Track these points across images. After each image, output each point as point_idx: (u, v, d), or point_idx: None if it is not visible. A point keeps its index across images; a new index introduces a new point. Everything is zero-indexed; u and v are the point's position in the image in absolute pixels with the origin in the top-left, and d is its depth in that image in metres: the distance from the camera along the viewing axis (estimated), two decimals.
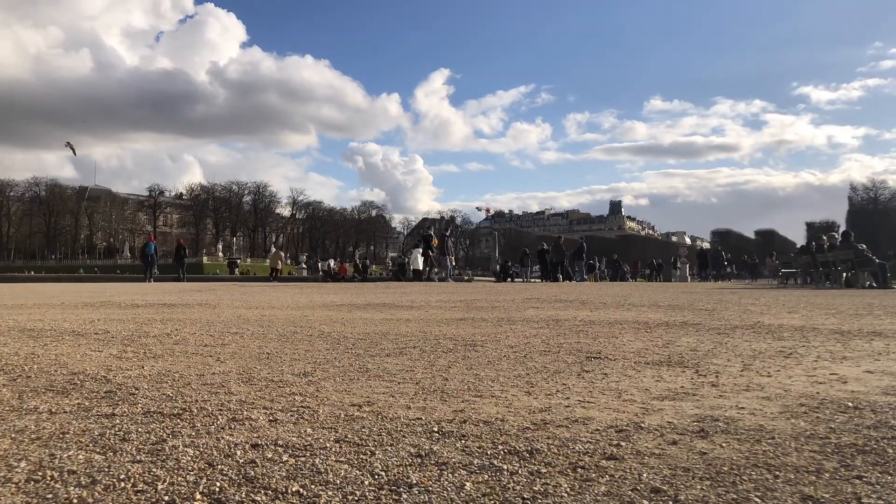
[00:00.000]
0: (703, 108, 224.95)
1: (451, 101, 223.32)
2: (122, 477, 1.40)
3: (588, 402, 2.16)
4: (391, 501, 1.28)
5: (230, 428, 1.83)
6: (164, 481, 1.38)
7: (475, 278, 25.17)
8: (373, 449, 1.62)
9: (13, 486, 1.36)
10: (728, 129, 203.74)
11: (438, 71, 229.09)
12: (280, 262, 30.83)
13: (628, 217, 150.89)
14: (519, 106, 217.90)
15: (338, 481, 1.39)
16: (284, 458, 1.54)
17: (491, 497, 1.30)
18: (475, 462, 1.51)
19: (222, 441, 1.69)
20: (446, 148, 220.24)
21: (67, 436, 1.74)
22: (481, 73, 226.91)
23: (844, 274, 14.98)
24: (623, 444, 1.65)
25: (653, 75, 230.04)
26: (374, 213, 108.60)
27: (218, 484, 1.37)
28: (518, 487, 1.34)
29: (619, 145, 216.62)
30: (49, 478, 1.40)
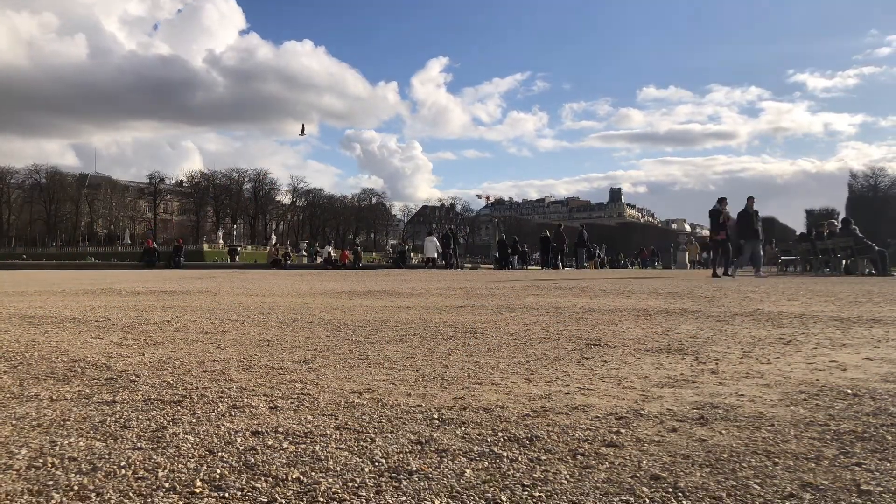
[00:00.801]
0: (699, 95, 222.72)
1: (448, 88, 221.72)
2: (122, 464, 1.41)
3: (588, 389, 2.17)
4: (391, 488, 1.28)
5: (231, 415, 1.83)
6: (165, 468, 1.38)
7: (480, 266, 25.16)
8: (373, 436, 1.62)
9: (14, 472, 1.36)
10: (724, 117, 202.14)
11: (436, 59, 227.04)
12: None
13: (628, 204, 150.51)
14: (515, 94, 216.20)
15: (338, 468, 1.39)
16: (285, 446, 1.54)
17: (491, 484, 1.30)
18: (475, 449, 1.51)
19: (223, 428, 1.69)
20: (445, 136, 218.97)
21: (68, 423, 1.75)
22: (477, 61, 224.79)
23: (844, 261, 14.98)
24: (623, 431, 1.65)
25: (647, 63, 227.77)
26: (374, 200, 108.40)
27: (218, 471, 1.37)
28: (518, 474, 1.35)
29: (616, 133, 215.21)
30: (50, 465, 1.41)
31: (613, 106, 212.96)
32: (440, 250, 24.31)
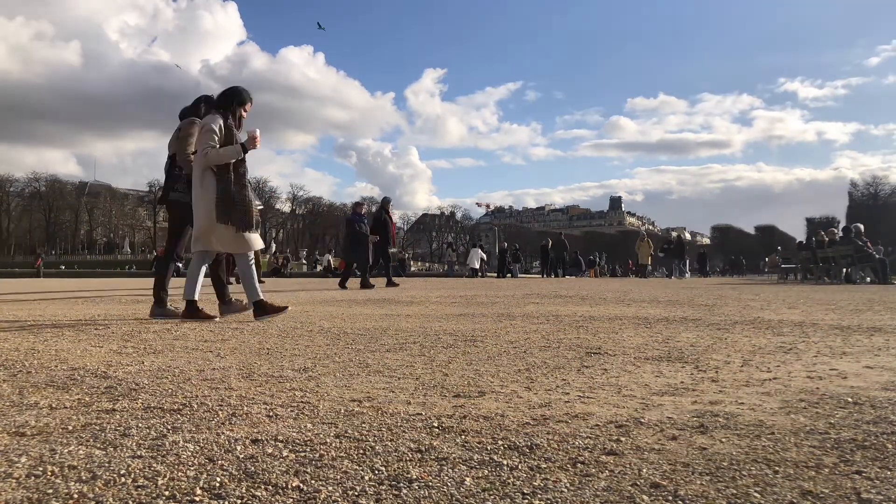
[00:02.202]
0: (690, 105, 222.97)
1: (443, 98, 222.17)
2: (122, 472, 1.40)
3: (588, 397, 2.16)
4: (391, 497, 1.28)
5: (230, 423, 1.83)
6: (165, 476, 1.38)
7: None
8: (373, 444, 1.62)
9: (14, 481, 1.36)
10: (717, 126, 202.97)
11: (431, 69, 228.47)
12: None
13: (628, 212, 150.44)
14: (508, 103, 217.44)
15: (338, 476, 1.39)
16: (284, 454, 1.54)
17: (491, 492, 1.30)
18: (475, 457, 1.51)
19: (222, 436, 1.69)
20: (441, 145, 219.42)
21: (68, 431, 1.74)
22: (470, 71, 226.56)
23: (844, 269, 14.98)
24: (623, 439, 1.65)
25: (637, 72, 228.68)
26: (373, 208, 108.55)
27: (218, 479, 1.37)
28: (518, 482, 1.35)
29: (608, 142, 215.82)
30: (49, 473, 1.40)
31: (604, 115, 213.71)
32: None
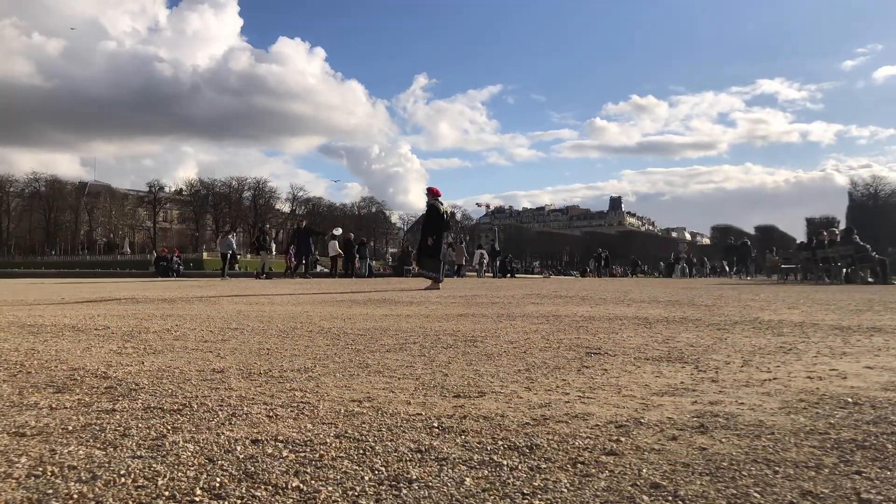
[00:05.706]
0: (672, 107, 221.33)
1: (431, 102, 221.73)
2: (122, 472, 1.40)
3: (588, 397, 2.16)
4: (391, 497, 1.28)
5: (230, 423, 1.83)
6: (165, 477, 1.38)
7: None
8: (373, 444, 1.62)
9: (14, 481, 1.36)
10: (700, 127, 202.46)
11: (420, 74, 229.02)
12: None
13: (628, 213, 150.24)
14: (492, 105, 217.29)
15: (338, 477, 1.39)
16: (284, 454, 1.54)
17: (491, 492, 1.30)
18: (475, 457, 1.51)
19: (222, 436, 1.69)
20: (429, 147, 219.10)
21: (68, 431, 1.74)
22: (453, 75, 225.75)
23: (844, 270, 14.98)
24: (623, 439, 1.65)
25: (618, 74, 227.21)
26: (374, 209, 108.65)
27: (218, 479, 1.37)
28: (518, 483, 1.35)
29: (591, 143, 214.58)
30: (49, 473, 1.40)
31: (579, 118, 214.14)
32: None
